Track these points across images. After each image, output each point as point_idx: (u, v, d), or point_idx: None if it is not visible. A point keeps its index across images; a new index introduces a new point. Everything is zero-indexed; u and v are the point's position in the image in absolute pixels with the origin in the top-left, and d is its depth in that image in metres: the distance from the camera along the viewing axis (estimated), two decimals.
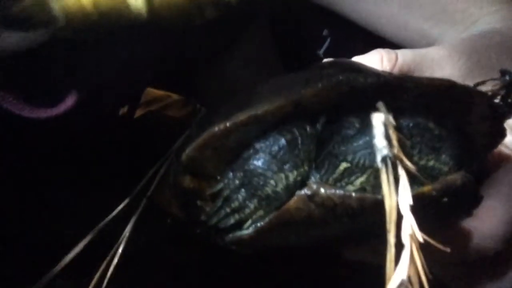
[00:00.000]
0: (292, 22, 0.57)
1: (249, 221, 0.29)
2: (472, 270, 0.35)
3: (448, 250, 0.31)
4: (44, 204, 0.46)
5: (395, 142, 0.27)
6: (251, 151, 0.28)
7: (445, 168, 0.30)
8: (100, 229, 0.36)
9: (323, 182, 0.28)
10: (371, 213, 0.27)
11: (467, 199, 0.29)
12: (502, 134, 0.31)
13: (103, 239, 0.37)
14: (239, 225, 0.29)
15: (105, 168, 0.49)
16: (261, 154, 0.28)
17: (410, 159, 0.29)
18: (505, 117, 0.30)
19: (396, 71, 0.36)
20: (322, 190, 0.26)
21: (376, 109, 0.28)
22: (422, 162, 0.30)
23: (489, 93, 0.29)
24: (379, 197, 0.26)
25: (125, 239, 0.34)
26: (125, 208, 0.37)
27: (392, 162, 0.27)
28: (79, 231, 0.37)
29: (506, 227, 0.33)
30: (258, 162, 0.28)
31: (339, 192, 0.26)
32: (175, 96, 0.63)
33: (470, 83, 0.31)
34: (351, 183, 0.28)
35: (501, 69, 0.29)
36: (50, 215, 0.46)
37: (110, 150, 0.51)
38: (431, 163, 0.30)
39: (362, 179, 0.28)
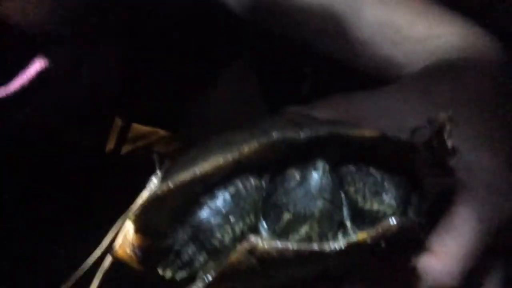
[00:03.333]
0: (275, 61, 0.59)
1: (201, 274, 0.30)
2: None
3: None
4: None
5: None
6: (197, 206, 0.30)
7: (390, 211, 0.31)
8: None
9: (270, 232, 0.29)
10: (311, 262, 0.28)
11: (411, 240, 0.30)
12: (448, 174, 0.32)
13: None
14: (192, 278, 0.30)
15: (88, 208, 0.49)
16: (206, 209, 0.29)
17: (355, 204, 0.31)
18: (444, 160, 0.31)
19: (348, 117, 0.37)
20: (261, 243, 0.27)
21: (316, 160, 0.30)
22: (367, 207, 0.31)
23: (423, 140, 0.30)
24: (315, 247, 0.27)
25: None
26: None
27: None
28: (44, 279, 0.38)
29: (462, 262, 0.33)
30: (204, 217, 0.29)
31: (276, 245, 0.27)
32: (162, 132, 0.64)
33: (423, 121, 0.32)
34: (297, 232, 0.29)
35: (427, 118, 0.30)
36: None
37: (95, 188, 0.51)
38: (375, 207, 0.31)
39: (306, 228, 0.29)
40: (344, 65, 0.51)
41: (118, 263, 0.35)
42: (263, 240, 0.27)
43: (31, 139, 0.44)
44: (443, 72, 0.42)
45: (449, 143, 0.30)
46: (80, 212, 0.50)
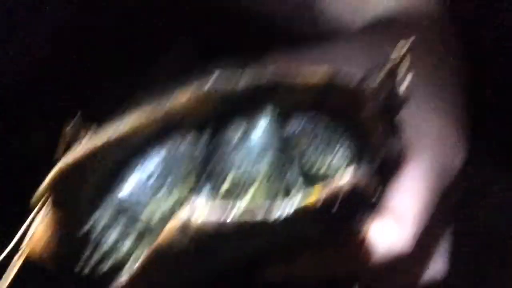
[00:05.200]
0: (220, 43, 0.55)
1: (129, 263, 0.25)
2: (392, 270, 0.33)
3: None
4: None
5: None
6: (121, 176, 0.25)
7: (340, 169, 0.28)
8: None
9: (212, 198, 0.25)
10: (254, 235, 0.24)
11: (362, 203, 0.27)
12: (397, 127, 0.30)
13: None
14: (118, 269, 0.25)
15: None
16: (132, 178, 0.24)
17: (303, 165, 0.27)
18: (395, 109, 0.29)
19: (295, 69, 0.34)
20: (193, 219, 0.23)
21: (261, 112, 0.26)
22: (315, 167, 0.27)
23: (374, 86, 0.27)
24: (258, 218, 0.23)
25: None
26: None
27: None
28: None
29: (415, 225, 0.32)
30: (130, 189, 0.24)
31: (213, 219, 0.23)
32: None
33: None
34: (244, 193, 0.25)
35: (379, 59, 0.27)
36: None
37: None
38: (323, 168, 0.28)
39: (253, 188, 0.25)
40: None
41: (31, 261, 0.30)
42: (196, 215, 0.23)
43: None
44: (385, 29, 0.40)
45: (403, 85, 0.27)
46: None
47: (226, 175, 0.25)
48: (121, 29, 0.46)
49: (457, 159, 0.35)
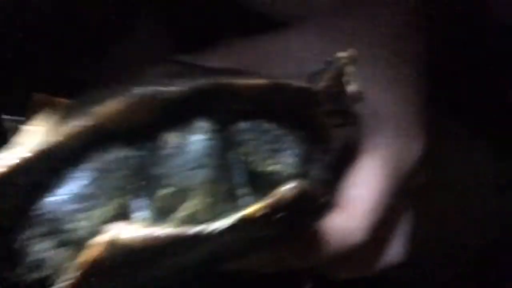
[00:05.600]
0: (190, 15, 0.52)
1: (58, 273, 0.24)
2: (347, 259, 0.33)
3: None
4: None
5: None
6: (45, 189, 0.23)
7: (288, 170, 0.26)
8: None
9: (148, 212, 0.24)
10: (193, 246, 0.23)
11: (315, 199, 0.25)
12: (352, 122, 0.29)
13: None
14: (51, 279, 0.24)
15: None
16: (56, 192, 0.23)
17: (249, 167, 0.26)
18: (346, 106, 0.27)
19: (244, 64, 0.32)
20: (122, 234, 0.21)
21: (199, 119, 0.24)
22: (263, 169, 0.26)
23: (322, 85, 0.26)
24: (191, 232, 0.22)
25: None
26: None
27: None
28: None
29: (371, 216, 0.31)
30: (53, 202, 0.23)
31: (143, 234, 0.22)
32: None
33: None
34: (181, 207, 0.24)
35: (325, 60, 0.26)
36: None
37: None
38: (271, 167, 0.26)
39: (190, 202, 0.24)
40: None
41: None
42: (126, 229, 0.21)
43: None
44: (344, 8, 0.38)
45: (351, 87, 0.25)
46: None
47: (162, 185, 0.24)
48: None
49: (414, 149, 0.34)
